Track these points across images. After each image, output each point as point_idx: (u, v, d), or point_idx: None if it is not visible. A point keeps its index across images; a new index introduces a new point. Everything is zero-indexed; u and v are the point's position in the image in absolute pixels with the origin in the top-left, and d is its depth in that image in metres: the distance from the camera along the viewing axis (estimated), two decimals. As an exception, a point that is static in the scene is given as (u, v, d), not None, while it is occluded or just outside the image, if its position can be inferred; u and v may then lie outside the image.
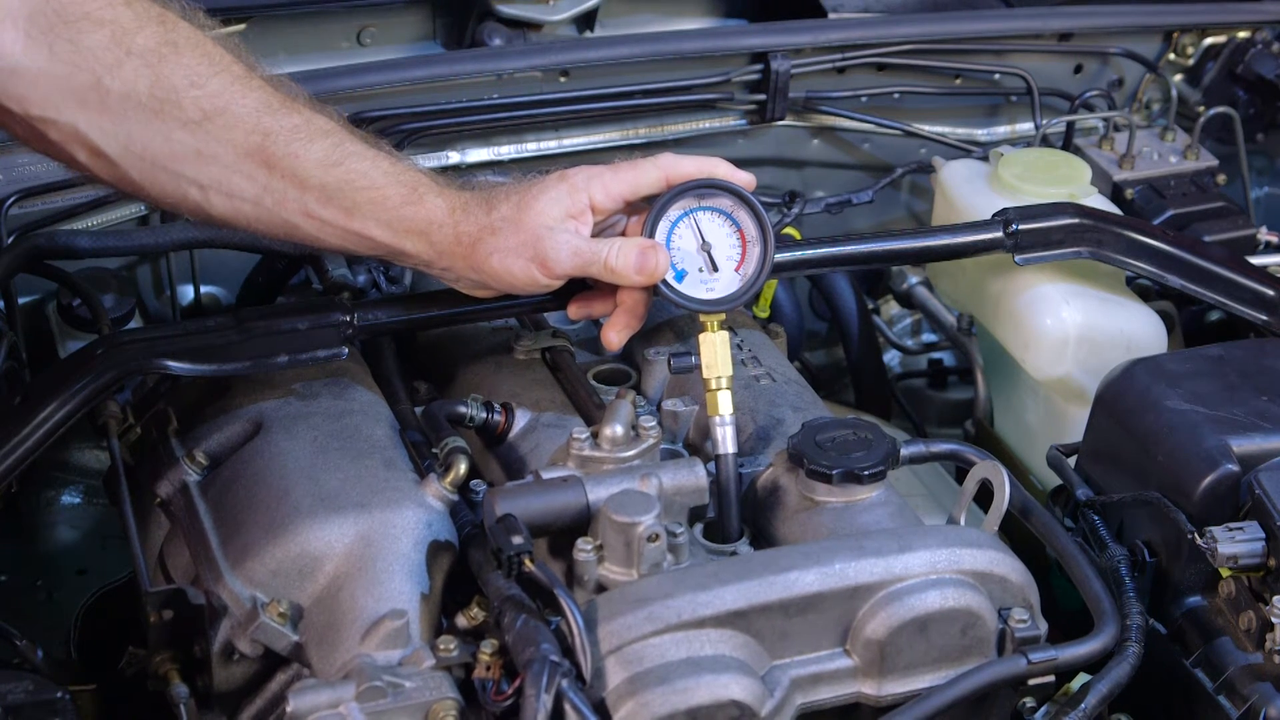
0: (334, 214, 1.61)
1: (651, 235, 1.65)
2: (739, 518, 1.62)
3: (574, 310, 1.72)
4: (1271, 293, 1.96)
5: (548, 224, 1.61)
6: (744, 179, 1.69)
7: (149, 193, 1.61)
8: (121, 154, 1.56)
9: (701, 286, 1.67)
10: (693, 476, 1.56)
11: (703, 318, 1.66)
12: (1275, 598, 1.55)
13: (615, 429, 1.59)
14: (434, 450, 1.63)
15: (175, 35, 1.56)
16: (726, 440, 1.62)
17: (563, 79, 2.27)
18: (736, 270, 1.68)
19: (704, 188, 1.67)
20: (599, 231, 1.67)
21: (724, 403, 1.64)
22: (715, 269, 1.67)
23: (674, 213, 1.67)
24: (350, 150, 1.61)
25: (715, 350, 1.65)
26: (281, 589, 1.53)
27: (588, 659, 1.38)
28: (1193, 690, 1.62)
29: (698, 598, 1.42)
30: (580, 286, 1.71)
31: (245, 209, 1.61)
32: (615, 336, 1.69)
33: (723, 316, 1.67)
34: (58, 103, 1.54)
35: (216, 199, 1.60)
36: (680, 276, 1.67)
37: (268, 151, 1.58)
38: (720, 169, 1.68)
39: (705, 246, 1.67)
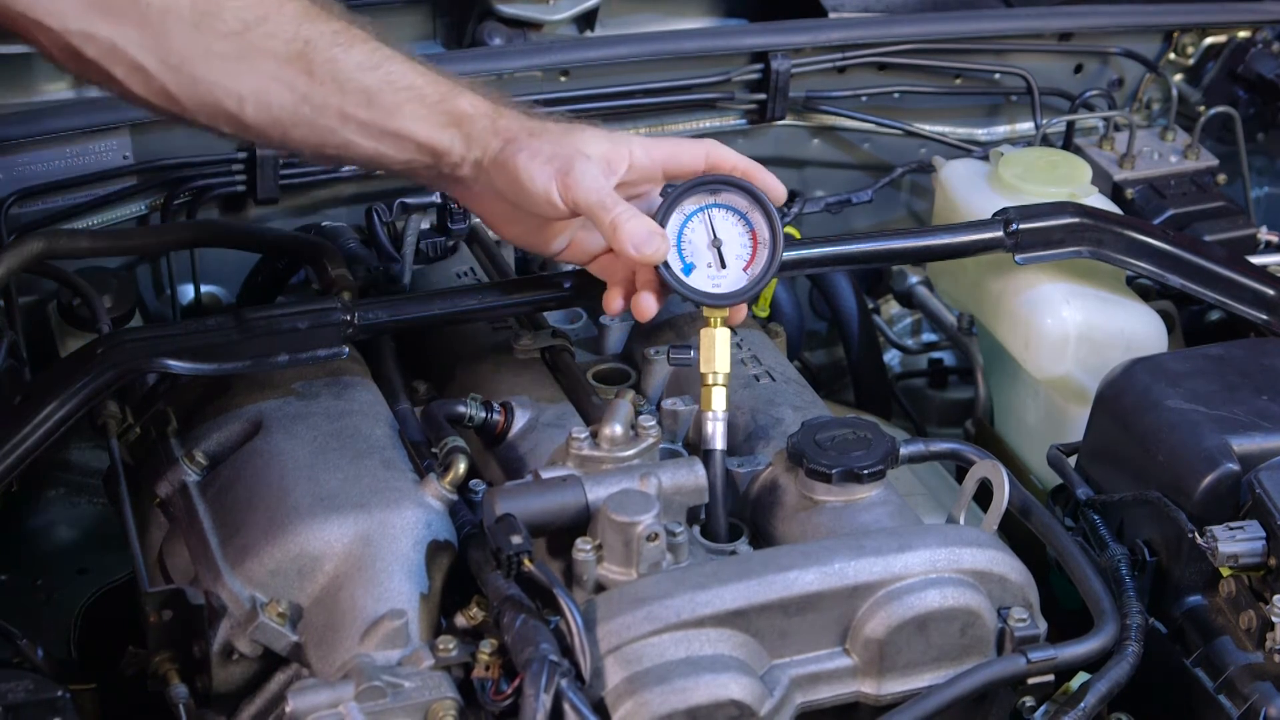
0: (373, 115, 1.61)
1: (663, 223, 1.65)
2: (727, 514, 1.62)
3: (611, 301, 1.72)
4: (1272, 292, 1.96)
5: (585, 152, 1.62)
6: (779, 191, 1.69)
7: (184, 105, 1.60)
8: (159, 68, 1.57)
9: (708, 282, 1.67)
10: (692, 476, 1.56)
11: (706, 312, 1.67)
12: (1276, 597, 1.55)
13: (614, 428, 1.59)
14: (433, 450, 1.63)
15: None
16: (716, 436, 1.62)
17: (563, 79, 2.27)
18: (744, 270, 1.68)
19: (721, 184, 1.67)
20: (627, 197, 1.67)
21: (718, 399, 1.64)
22: (723, 266, 1.68)
23: (689, 206, 1.67)
24: (389, 54, 1.62)
25: (715, 345, 1.65)
26: (281, 589, 1.53)
27: (587, 658, 1.38)
28: (1193, 690, 1.62)
29: (697, 597, 1.42)
30: (590, 284, 1.71)
31: (283, 117, 1.61)
32: (640, 307, 1.68)
33: (725, 313, 1.67)
34: (95, 18, 1.53)
35: (252, 109, 1.60)
36: (688, 270, 1.67)
37: (308, 58, 1.58)
38: (759, 174, 1.68)
39: (716, 243, 1.67)
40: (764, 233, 1.68)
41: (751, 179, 1.68)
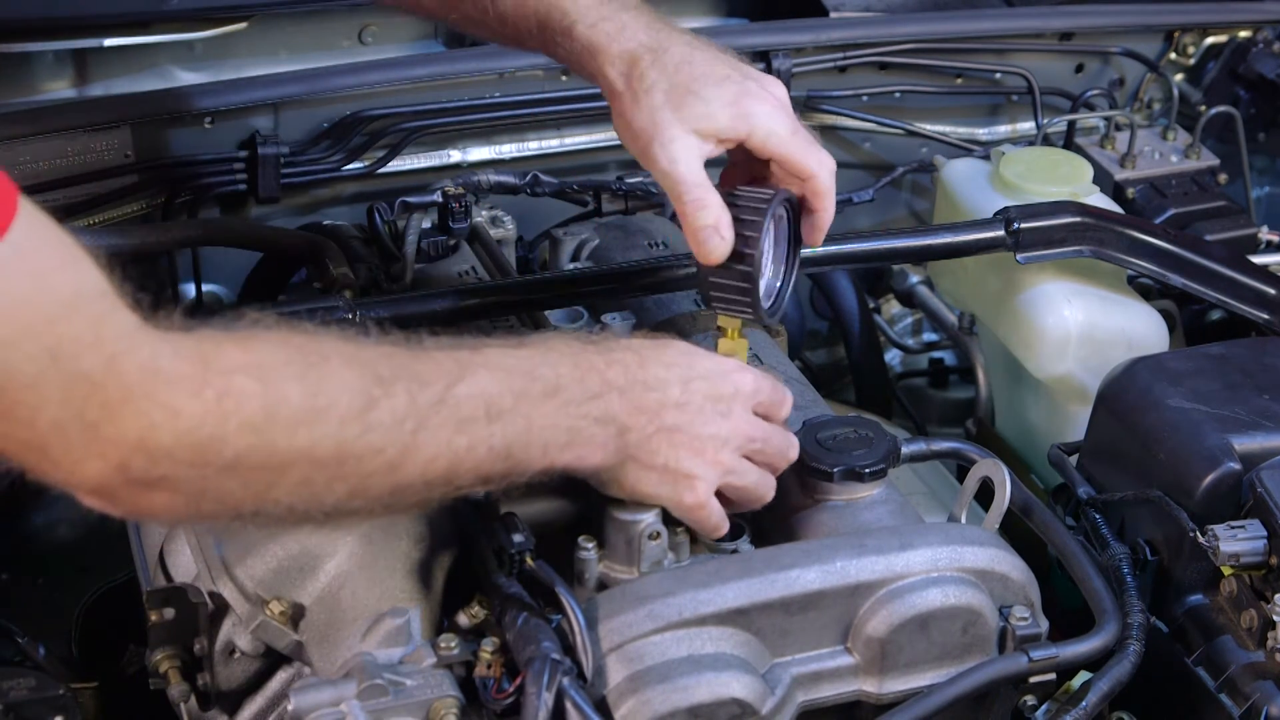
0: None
1: (757, 231, 1.56)
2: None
3: None
4: (1273, 291, 1.96)
5: (691, 119, 1.55)
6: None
7: None
8: None
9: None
10: (694, 474, 1.56)
11: (721, 322, 1.62)
12: (1277, 596, 1.55)
13: (616, 427, 1.58)
14: (435, 448, 1.63)
15: None
16: None
17: (564, 78, 2.27)
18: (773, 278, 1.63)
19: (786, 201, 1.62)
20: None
21: None
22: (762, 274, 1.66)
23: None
24: None
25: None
26: (282, 587, 1.53)
27: (589, 657, 1.38)
28: (1194, 689, 1.62)
29: (699, 595, 1.42)
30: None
31: None
32: None
33: (739, 324, 1.64)
34: None
35: None
36: None
37: None
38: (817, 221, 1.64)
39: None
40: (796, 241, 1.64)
41: (811, 220, 1.62)
